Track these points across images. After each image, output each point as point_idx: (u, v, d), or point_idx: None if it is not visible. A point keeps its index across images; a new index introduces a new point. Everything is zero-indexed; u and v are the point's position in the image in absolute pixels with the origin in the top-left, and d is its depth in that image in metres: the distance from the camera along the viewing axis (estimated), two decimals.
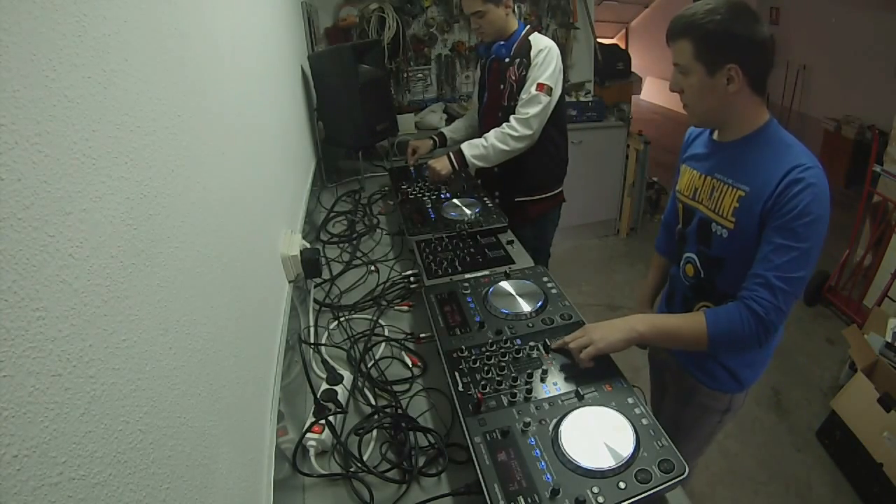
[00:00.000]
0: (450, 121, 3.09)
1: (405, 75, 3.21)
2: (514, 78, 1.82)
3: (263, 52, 1.32)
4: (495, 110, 1.92)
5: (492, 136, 1.81)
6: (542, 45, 1.77)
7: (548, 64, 1.75)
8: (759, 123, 1.00)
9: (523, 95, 1.78)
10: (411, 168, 2.10)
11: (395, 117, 2.19)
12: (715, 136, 1.10)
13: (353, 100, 1.88)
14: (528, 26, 1.86)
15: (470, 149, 1.84)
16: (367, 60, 1.94)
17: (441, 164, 1.86)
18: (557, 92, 1.80)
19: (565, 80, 1.94)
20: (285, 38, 1.80)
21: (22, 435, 0.29)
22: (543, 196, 2.03)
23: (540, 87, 1.74)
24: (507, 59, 1.84)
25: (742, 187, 0.98)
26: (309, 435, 0.90)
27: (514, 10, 1.84)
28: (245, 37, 1.11)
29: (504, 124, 1.80)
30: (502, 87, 1.87)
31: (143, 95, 0.51)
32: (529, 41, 1.80)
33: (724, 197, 1.02)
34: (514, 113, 1.81)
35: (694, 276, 1.14)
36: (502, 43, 1.85)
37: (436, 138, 2.15)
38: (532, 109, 1.75)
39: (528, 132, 1.77)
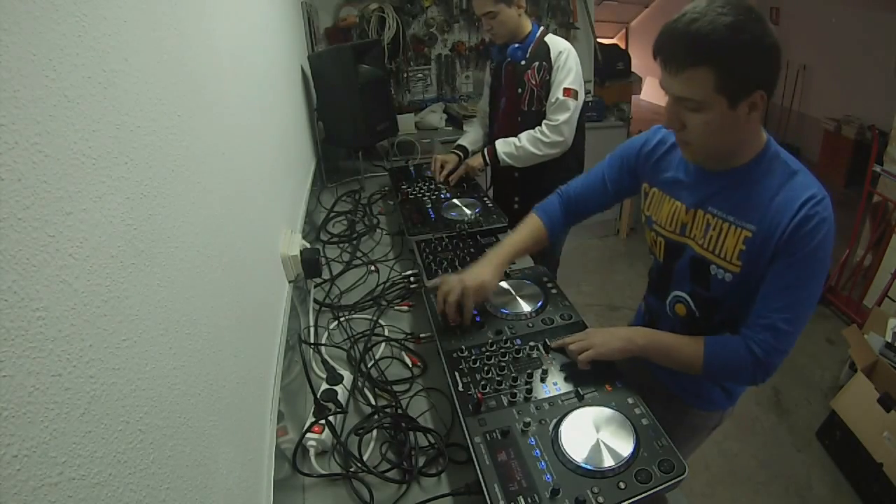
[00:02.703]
0: (450, 121, 3.09)
1: (405, 75, 3.21)
2: (534, 82, 1.79)
3: (263, 52, 1.32)
4: (514, 115, 1.89)
5: (525, 137, 1.80)
6: (561, 46, 1.74)
7: (569, 67, 1.72)
8: (759, 148, 0.87)
9: (551, 100, 1.76)
10: (411, 168, 2.09)
11: (395, 117, 2.18)
12: None
13: (353, 100, 1.88)
14: (543, 27, 1.82)
15: (503, 146, 1.84)
16: (367, 60, 1.94)
17: (476, 161, 1.91)
18: (582, 96, 1.78)
19: None
20: (285, 38, 1.80)
21: (22, 435, 0.29)
22: None
23: (566, 92, 1.72)
24: (523, 62, 1.80)
25: (748, 227, 0.85)
26: (309, 435, 0.90)
27: (526, 11, 1.79)
28: (245, 37, 1.11)
29: (536, 128, 1.79)
30: (521, 91, 1.84)
31: (143, 95, 0.51)
32: (546, 43, 1.76)
33: (725, 237, 0.89)
34: (534, 118, 1.80)
35: (687, 316, 1.02)
36: (517, 46, 1.81)
37: (460, 153, 2.05)
38: (561, 116, 1.73)
39: (560, 139, 1.76)
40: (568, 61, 1.72)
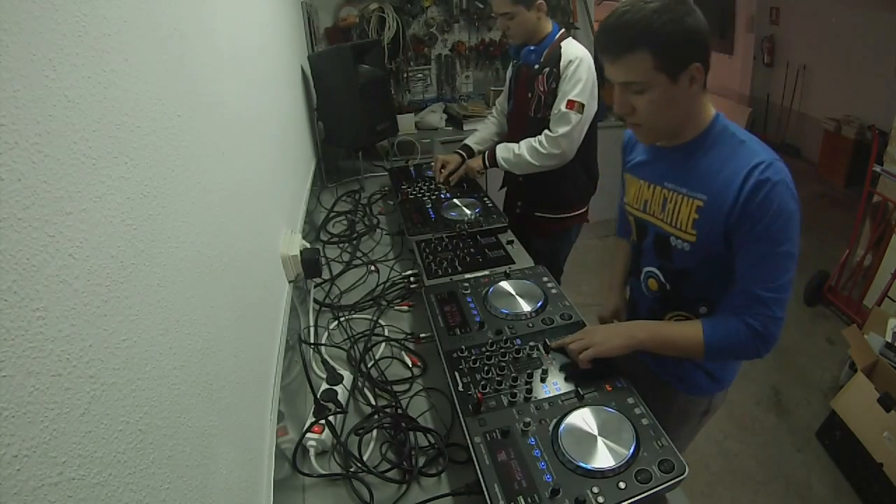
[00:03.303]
0: (450, 121, 3.09)
1: (405, 75, 3.21)
2: (542, 89, 1.71)
3: (263, 52, 1.32)
4: (522, 119, 1.85)
5: (524, 145, 1.75)
6: (573, 55, 1.64)
7: (578, 77, 1.63)
8: (707, 121, 0.93)
9: (554, 111, 1.68)
10: (411, 168, 2.09)
11: (395, 117, 2.18)
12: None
13: (353, 100, 1.88)
14: (563, 30, 1.73)
15: (503, 151, 1.81)
16: (367, 60, 1.94)
17: (476, 163, 1.90)
18: (592, 108, 1.69)
19: None
20: (285, 38, 1.80)
21: (22, 435, 0.29)
22: (566, 215, 1.95)
23: (570, 104, 1.63)
24: (535, 67, 1.73)
25: (699, 196, 0.91)
26: (309, 435, 0.90)
27: (546, 13, 1.70)
28: (245, 37, 1.11)
29: (536, 138, 1.72)
30: (530, 95, 1.78)
31: (143, 95, 0.51)
32: (560, 49, 1.67)
33: (679, 209, 0.95)
34: (539, 125, 1.75)
35: (659, 290, 1.08)
36: (532, 48, 1.73)
37: (463, 153, 2.02)
38: (561, 129, 1.65)
39: (557, 151, 1.68)
40: (577, 72, 1.62)
